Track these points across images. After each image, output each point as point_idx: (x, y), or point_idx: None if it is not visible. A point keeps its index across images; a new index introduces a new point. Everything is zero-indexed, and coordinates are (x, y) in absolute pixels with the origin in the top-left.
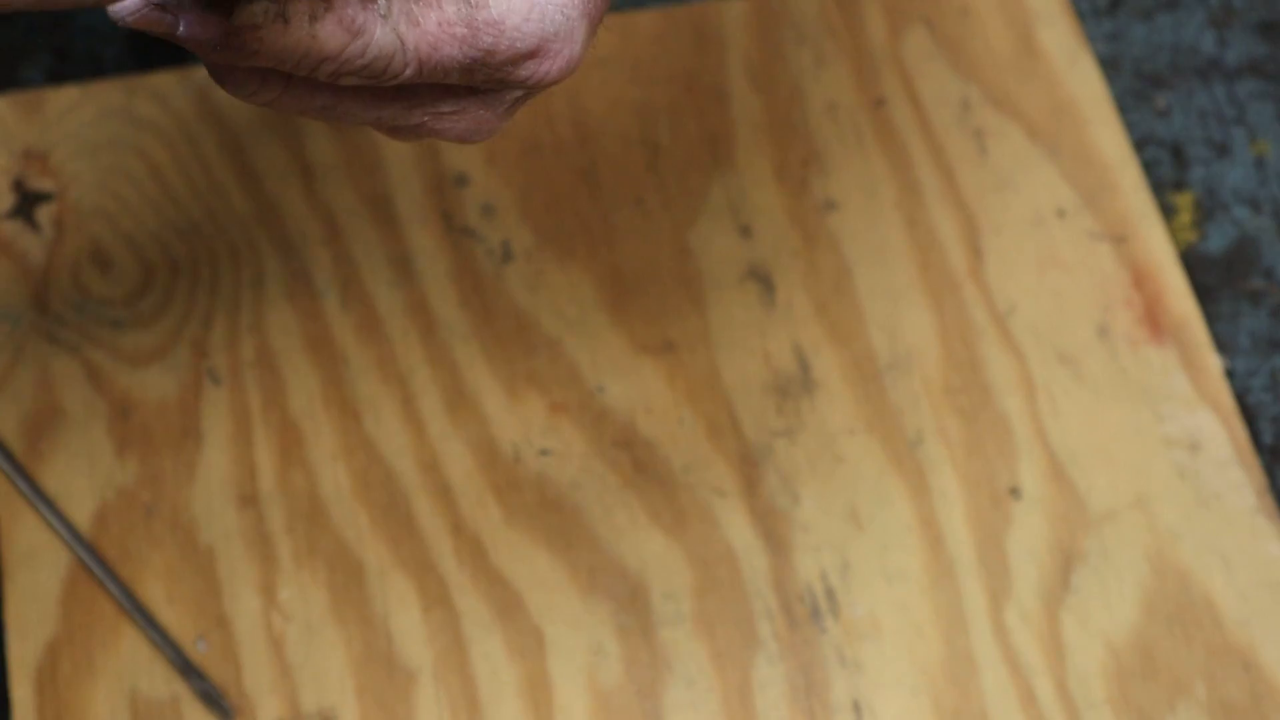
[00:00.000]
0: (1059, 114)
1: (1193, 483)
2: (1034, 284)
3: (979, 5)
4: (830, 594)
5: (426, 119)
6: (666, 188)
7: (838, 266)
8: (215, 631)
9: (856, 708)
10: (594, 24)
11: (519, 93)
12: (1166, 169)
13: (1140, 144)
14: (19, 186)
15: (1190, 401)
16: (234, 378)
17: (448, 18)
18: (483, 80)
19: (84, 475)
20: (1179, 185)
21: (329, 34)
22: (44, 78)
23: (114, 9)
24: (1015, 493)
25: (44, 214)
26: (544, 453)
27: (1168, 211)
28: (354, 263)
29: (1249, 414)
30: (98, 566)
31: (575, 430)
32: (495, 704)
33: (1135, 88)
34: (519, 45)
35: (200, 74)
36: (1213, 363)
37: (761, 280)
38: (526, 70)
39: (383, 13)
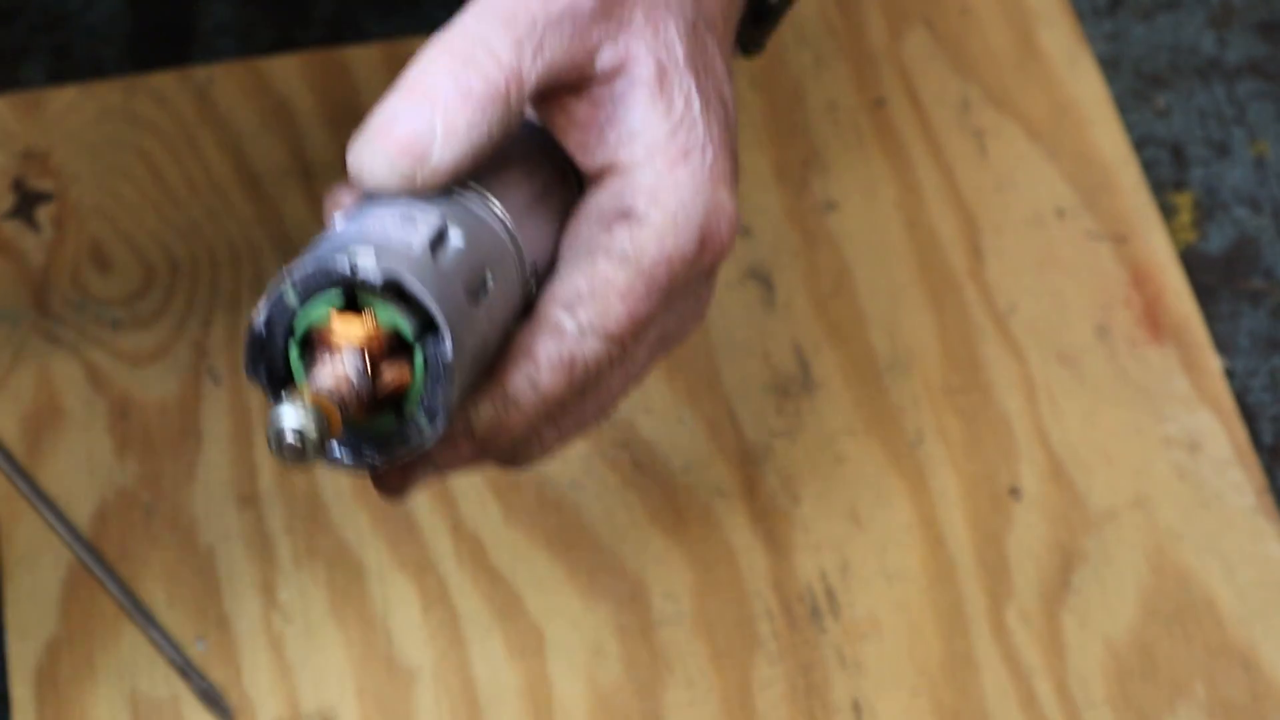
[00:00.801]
0: (1059, 114)
1: (1192, 483)
2: (1034, 284)
3: (979, 5)
4: (830, 594)
5: (642, 370)
6: None
7: (838, 266)
8: (215, 631)
9: (856, 707)
10: (731, 178)
11: (707, 281)
12: (1166, 169)
13: (1140, 144)
14: (19, 186)
15: (1190, 401)
16: (234, 377)
17: (622, 287)
18: (678, 300)
19: (84, 475)
20: (1179, 185)
21: (553, 383)
22: (44, 78)
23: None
24: (1015, 493)
25: (44, 214)
26: None
27: (1167, 211)
28: None
29: (1249, 414)
30: (98, 566)
31: None
32: (495, 704)
33: (1135, 88)
34: (688, 254)
35: (200, 74)
36: (1212, 363)
37: (761, 280)
38: (703, 263)
39: (579, 331)
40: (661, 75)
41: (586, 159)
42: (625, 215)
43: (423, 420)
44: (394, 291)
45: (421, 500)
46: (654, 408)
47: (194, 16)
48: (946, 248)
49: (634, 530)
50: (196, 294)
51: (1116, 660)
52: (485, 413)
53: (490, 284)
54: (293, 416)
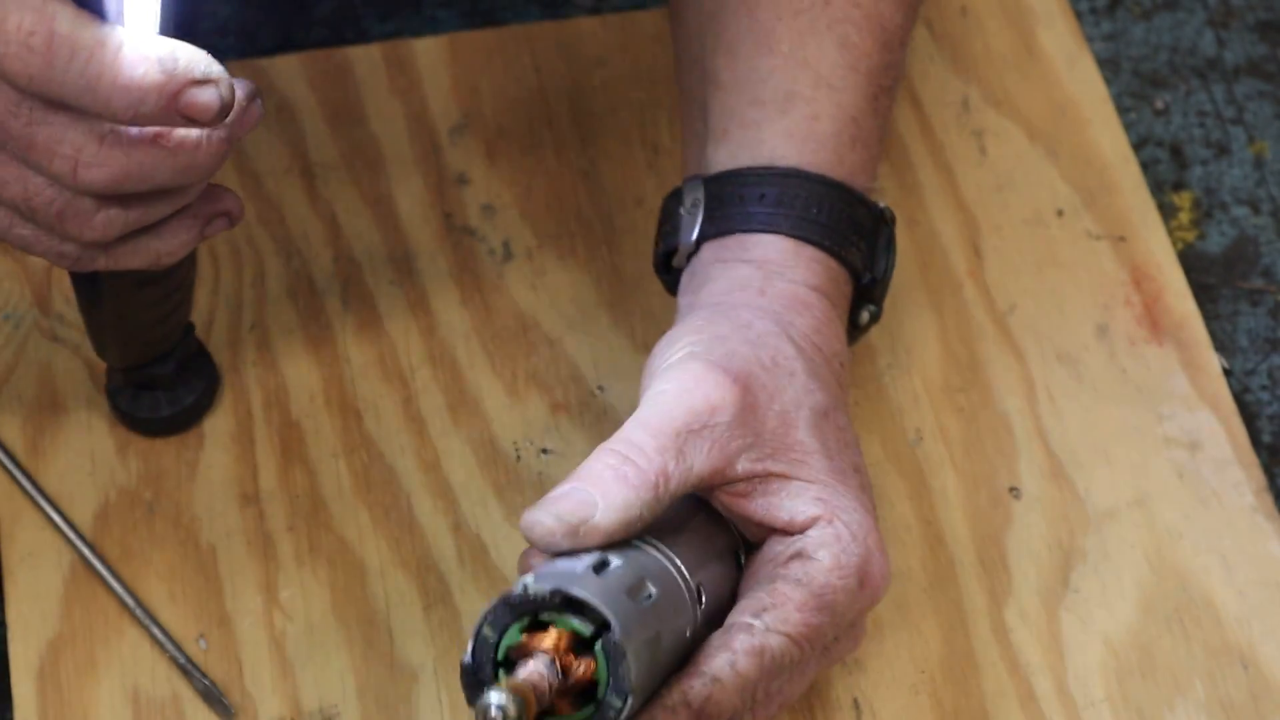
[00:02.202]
0: (1058, 114)
1: (1192, 482)
2: (1034, 284)
3: (979, 5)
4: None
5: (813, 673)
6: (666, 188)
7: None
8: (216, 630)
9: (856, 707)
10: (880, 538)
11: (863, 613)
12: (1166, 169)
13: (1139, 144)
14: None
15: (1189, 401)
16: (235, 377)
17: (798, 601)
18: (841, 622)
19: (85, 474)
20: (1178, 185)
21: (747, 666)
22: None
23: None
24: (1015, 492)
25: None
26: (545, 452)
27: (1167, 211)
28: (355, 262)
29: (1248, 413)
30: (99, 565)
31: (576, 429)
32: None
33: (1134, 88)
34: (850, 587)
35: None
36: (1212, 362)
37: None
38: (861, 600)
39: (765, 629)
40: (799, 475)
41: (747, 529)
42: (798, 555)
43: (613, 699)
44: (565, 601)
45: (422, 499)
46: None
47: (194, 17)
48: (947, 248)
49: None
50: (197, 294)
51: (1116, 659)
52: (696, 686)
53: (652, 589)
54: (497, 696)
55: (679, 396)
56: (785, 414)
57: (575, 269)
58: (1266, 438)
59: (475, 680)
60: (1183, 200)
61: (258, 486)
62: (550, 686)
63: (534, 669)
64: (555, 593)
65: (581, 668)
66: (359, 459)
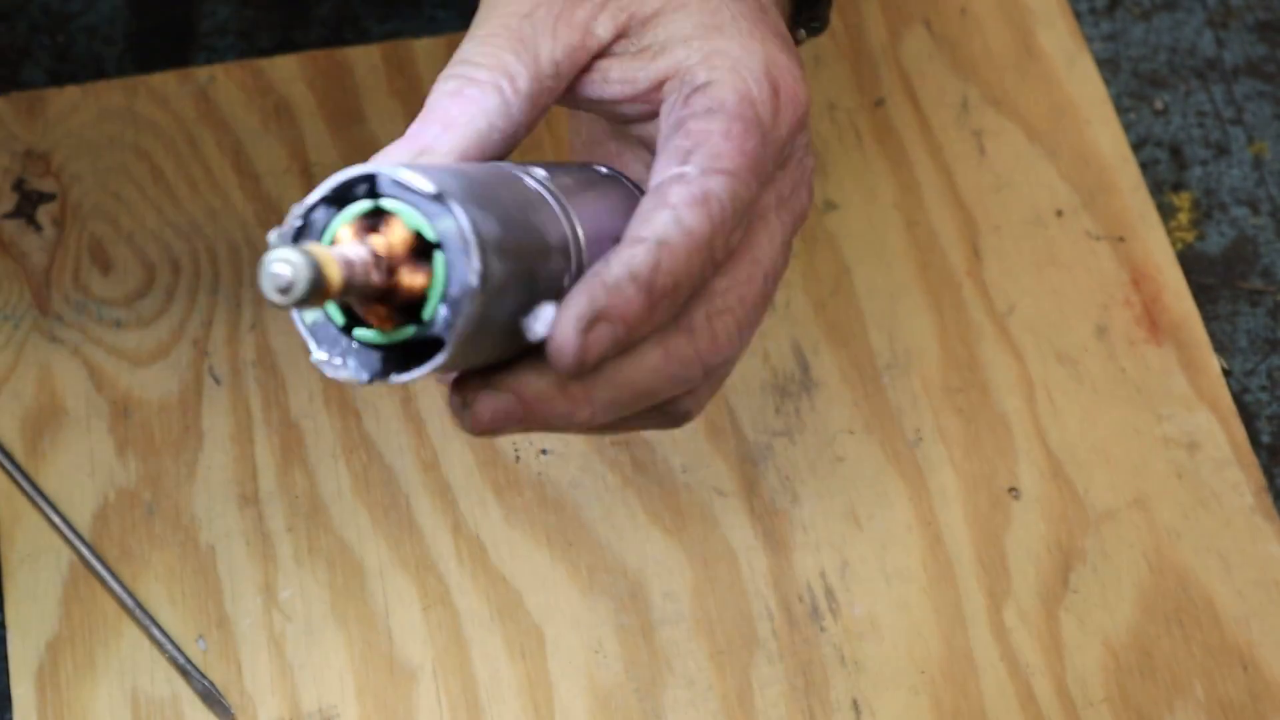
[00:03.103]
0: (1058, 114)
1: (1191, 482)
2: (1033, 284)
3: (978, 5)
4: (830, 593)
5: (782, 238)
6: None
7: (837, 266)
8: (216, 631)
9: (856, 707)
10: (779, 41)
11: (800, 144)
12: (1165, 169)
13: (1139, 144)
14: (20, 187)
15: (1189, 401)
16: (235, 377)
17: (720, 130)
18: (778, 156)
19: (85, 475)
20: (1177, 185)
21: (695, 219)
22: (45, 78)
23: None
24: (1014, 492)
25: (45, 214)
26: (544, 452)
27: (1166, 211)
28: None
29: (1247, 414)
30: (99, 566)
31: None
32: (495, 704)
33: (1134, 88)
34: (765, 97)
35: (200, 74)
36: (1211, 362)
37: None
38: (784, 116)
39: (701, 172)
40: (670, 7)
41: (638, 90)
42: (694, 89)
43: (442, 311)
44: (432, 197)
45: (422, 500)
46: None
47: (194, 16)
48: (946, 248)
49: (634, 530)
50: (197, 294)
51: (1115, 659)
52: (640, 255)
53: (513, 197)
54: (285, 253)
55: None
56: None
57: None
58: (1266, 438)
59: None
60: (1182, 200)
61: (257, 487)
62: (363, 272)
63: (344, 248)
64: (369, 177)
65: (409, 277)
66: (358, 459)
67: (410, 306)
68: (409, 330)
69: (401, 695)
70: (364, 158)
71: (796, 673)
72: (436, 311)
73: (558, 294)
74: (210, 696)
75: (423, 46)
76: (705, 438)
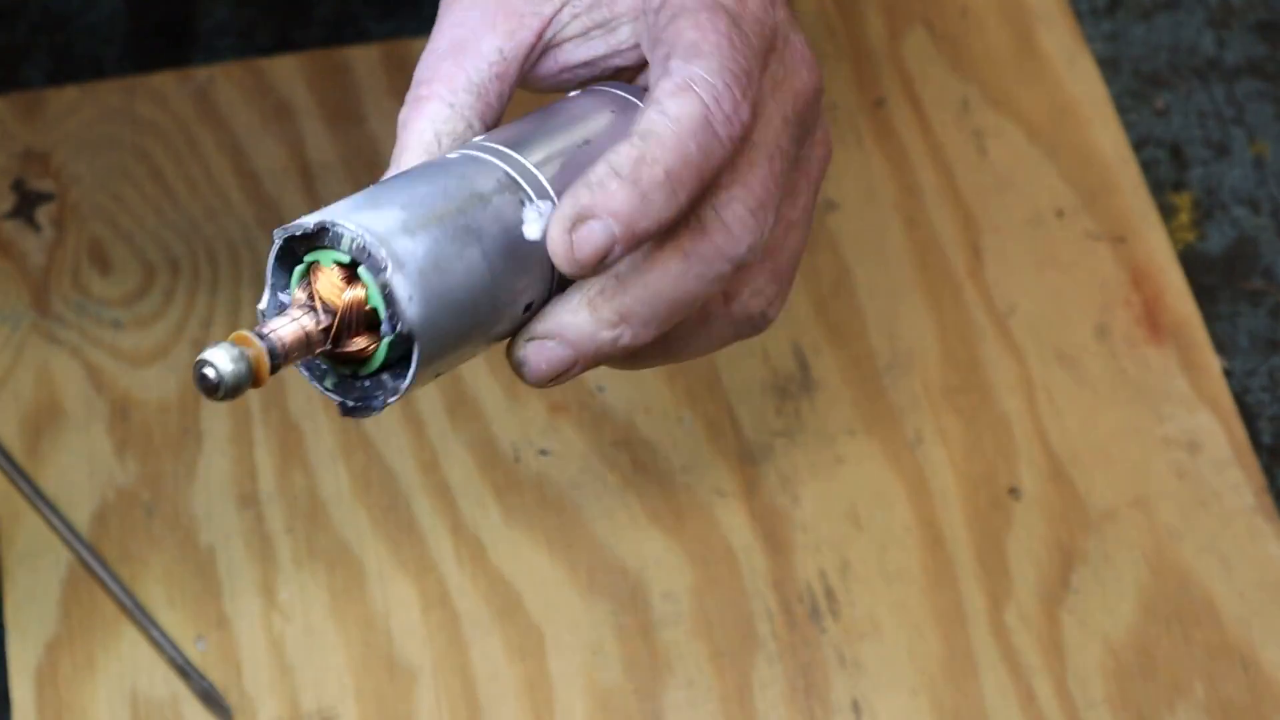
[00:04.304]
0: (1058, 114)
1: (1192, 483)
2: (1033, 284)
3: (978, 5)
4: (830, 594)
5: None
6: None
7: (838, 266)
8: (215, 631)
9: (856, 708)
10: None
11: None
12: (1165, 169)
13: (1139, 144)
14: (19, 187)
15: (1189, 401)
16: None
17: (713, 38)
18: (775, 63)
19: (84, 475)
20: (1178, 185)
21: (686, 112)
22: (44, 78)
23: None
24: (1015, 493)
25: (44, 214)
26: (544, 453)
27: (1167, 212)
28: None
29: (1248, 414)
30: (98, 566)
31: (575, 430)
32: (495, 704)
33: (1134, 88)
34: (756, 6)
35: (200, 74)
36: (1212, 363)
37: None
38: (777, 14)
39: (697, 79)
40: None
41: (608, 41)
42: (656, 9)
43: (385, 377)
44: (307, 235)
45: (422, 500)
46: (654, 408)
47: (194, 16)
48: (946, 248)
49: (634, 530)
50: (196, 294)
51: (1116, 660)
52: (623, 150)
53: (455, 193)
54: (212, 353)
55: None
56: None
57: None
58: (1266, 439)
59: (282, 258)
60: (1183, 200)
61: (256, 488)
62: (299, 350)
63: (285, 331)
64: (290, 228)
65: (358, 343)
66: (358, 460)
67: (356, 360)
68: (367, 370)
69: (401, 696)
70: (363, 157)
71: (796, 673)
72: (379, 376)
73: (543, 280)
74: (209, 697)
75: (422, 46)
76: (705, 438)
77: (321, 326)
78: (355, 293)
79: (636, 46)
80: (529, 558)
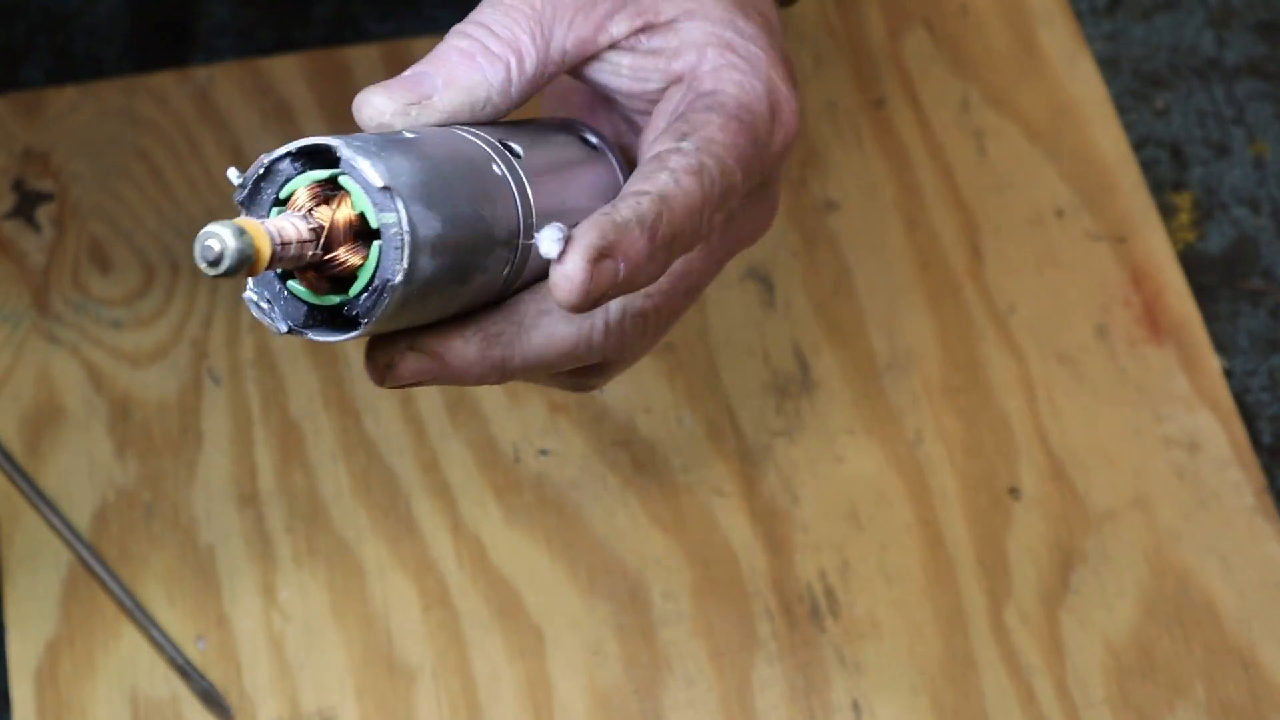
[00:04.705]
0: (1058, 114)
1: (1192, 483)
2: (1033, 284)
3: (978, 5)
4: (830, 594)
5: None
6: None
7: (837, 266)
8: (215, 631)
9: (856, 708)
10: (784, 69)
11: (776, 172)
12: (1165, 169)
13: (1139, 144)
14: (19, 186)
15: (1189, 401)
16: (234, 378)
17: (718, 122)
18: (756, 177)
19: (84, 475)
20: (1178, 185)
21: (690, 185)
22: (44, 78)
23: None
24: (1015, 493)
25: (44, 214)
26: (544, 453)
27: (1167, 212)
28: None
29: (1248, 414)
30: (98, 566)
31: (575, 430)
32: (495, 704)
33: (1134, 88)
34: (763, 111)
35: (200, 74)
36: (1212, 363)
37: (761, 280)
38: (775, 138)
39: (696, 150)
40: (686, 16)
41: (647, 89)
42: (701, 94)
43: (364, 296)
44: (380, 189)
45: (422, 500)
46: (654, 408)
47: (194, 16)
48: (946, 248)
49: (634, 530)
50: (196, 294)
51: (1116, 660)
52: (645, 204)
53: (455, 165)
54: (219, 227)
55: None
56: None
57: None
58: (1267, 439)
59: (252, 191)
60: (1183, 200)
61: (256, 487)
62: (296, 251)
63: (284, 225)
64: (365, 179)
65: (345, 254)
66: (358, 460)
67: (340, 279)
68: (333, 299)
69: (401, 695)
70: None
71: (796, 673)
72: (360, 294)
73: (492, 284)
74: (209, 697)
75: (422, 46)
76: (705, 438)
77: (315, 232)
78: (346, 211)
79: (655, 101)
80: (529, 558)
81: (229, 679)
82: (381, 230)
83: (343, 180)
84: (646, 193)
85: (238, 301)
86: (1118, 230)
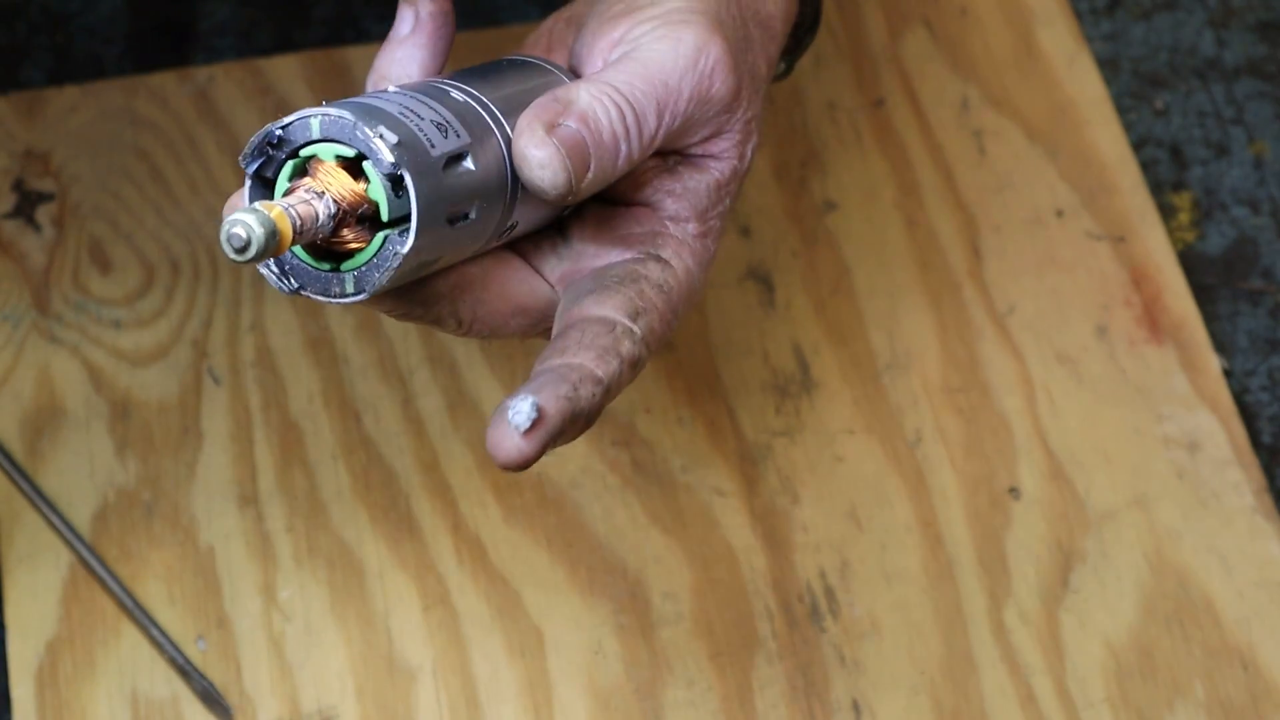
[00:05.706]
0: (1058, 114)
1: (1191, 482)
2: (1033, 284)
3: (978, 5)
4: (830, 594)
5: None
6: None
7: (837, 266)
8: (215, 631)
9: (856, 708)
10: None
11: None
12: (1165, 169)
13: (1139, 144)
14: (19, 186)
15: (1189, 401)
16: (234, 377)
17: (663, 312)
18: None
19: (84, 475)
20: (1178, 185)
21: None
22: (44, 78)
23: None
24: (1014, 492)
25: (44, 214)
26: None
27: (1166, 212)
28: None
29: (1247, 413)
30: (98, 566)
31: None
32: (495, 704)
33: (1134, 88)
34: (689, 305)
35: (200, 74)
36: (1211, 362)
37: (761, 280)
38: (681, 318)
39: (640, 335)
40: (713, 175)
41: (632, 193)
42: (662, 262)
43: (348, 281)
44: (393, 179)
45: (422, 501)
46: (654, 408)
47: (194, 16)
48: (946, 248)
49: (634, 530)
50: (196, 294)
51: (1115, 660)
52: (599, 398)
53: (473, 216)
54: (243, 214)
55: (680, 58)
56: (746, 119)
57: None
58: (1266, 438)
59: (260, 154)
60: (1182, 200)
61: (256, 487)
62: (310, 232)
63: (310, 210)
64: (393, 176)
65: (351, 236)
66: (358, 459)
67: (339, 254)
68: (325, 267)
69: (401, 695)
70: None
71: (796, 673)
72: (360, 269)
73: (485, 238)
74: (210, 697)
75: None
76: (705, 438)
77: (332, 217)
78: (359, 196)
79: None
80: (529, 557)
81: (229, 679)
82: (391, 217)
83: (366, 167)
84: (600, 380)
85: (238, 301)
86: (1117, 230)
